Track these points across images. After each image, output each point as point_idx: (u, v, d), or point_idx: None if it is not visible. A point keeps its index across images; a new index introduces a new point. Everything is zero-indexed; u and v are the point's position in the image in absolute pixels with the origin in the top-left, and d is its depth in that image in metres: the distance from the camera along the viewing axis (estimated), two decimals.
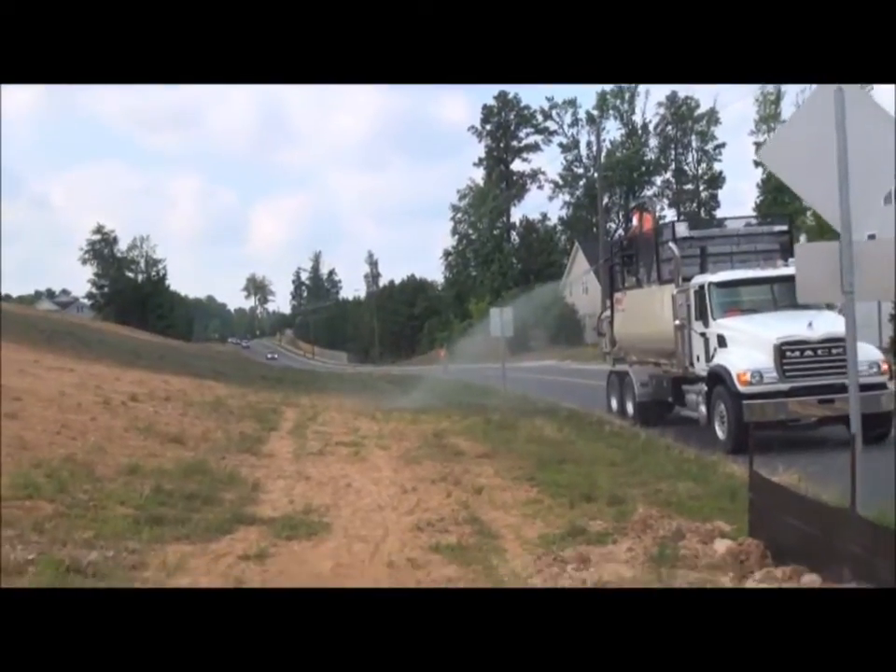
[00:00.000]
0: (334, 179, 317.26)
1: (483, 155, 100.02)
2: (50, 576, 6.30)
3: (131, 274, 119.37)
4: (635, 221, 21.94)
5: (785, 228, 18.27)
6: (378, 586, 6.92)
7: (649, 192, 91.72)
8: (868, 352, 14.25)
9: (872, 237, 10.23)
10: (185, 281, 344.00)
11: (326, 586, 6.88)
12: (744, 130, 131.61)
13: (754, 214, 44.95)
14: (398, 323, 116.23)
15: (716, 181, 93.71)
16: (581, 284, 75.21)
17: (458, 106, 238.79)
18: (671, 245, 17.27)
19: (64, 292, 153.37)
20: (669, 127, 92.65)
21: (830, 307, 14.44)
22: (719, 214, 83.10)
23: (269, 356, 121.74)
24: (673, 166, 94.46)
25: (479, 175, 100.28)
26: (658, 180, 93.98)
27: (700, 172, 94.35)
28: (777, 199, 62.11)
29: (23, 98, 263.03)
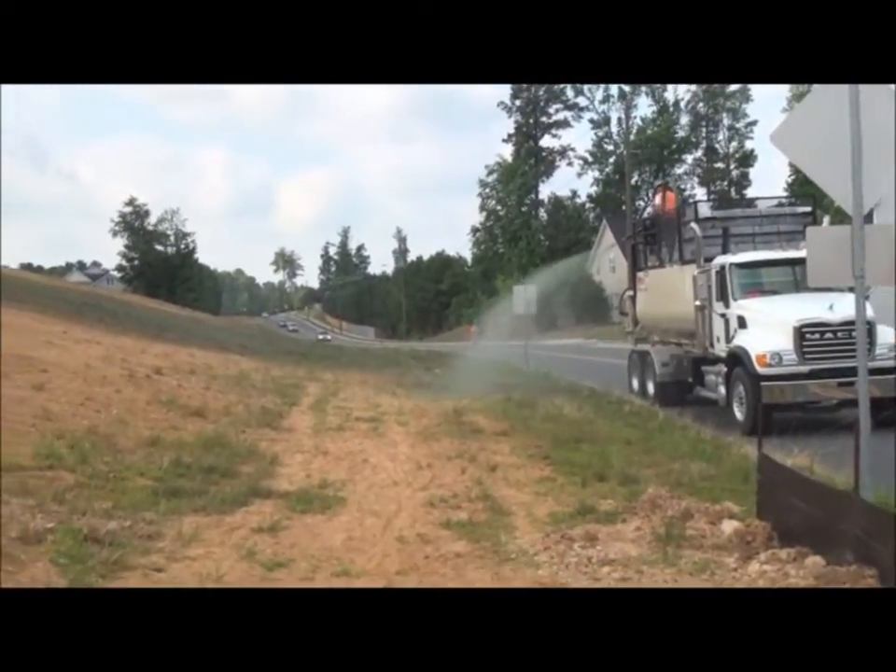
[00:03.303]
0: (362, 152, 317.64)
1: (512, 131, 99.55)
2: (68, 544, 6.46)
3: (160, 247, 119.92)
4: (656, 200, 21.86)
5: (809, 209, 18.13)
6: (387, 560, 7.07)
7: (679, 170, 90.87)
8: (889, 335, 14.18)
9: None
10: (214, 254, 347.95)
11: (336, 558, 7.03)
12: (777, 107, 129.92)
13: (786, 194, 44.46)
14: (425, 299, 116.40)
15: (747, 159, 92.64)
16: (608, 262, 74.97)
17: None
18: (693, 225, 17.22)
19: (95, 264, 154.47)
20: (700, 104, 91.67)
21: (852, 290, 14.35)
22: (750, 193, 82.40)
23: (291, 327, 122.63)
24: (704, 144, 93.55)
25: (507, 151, 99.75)
26: (688, 158, 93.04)
27: (731, 150, 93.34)
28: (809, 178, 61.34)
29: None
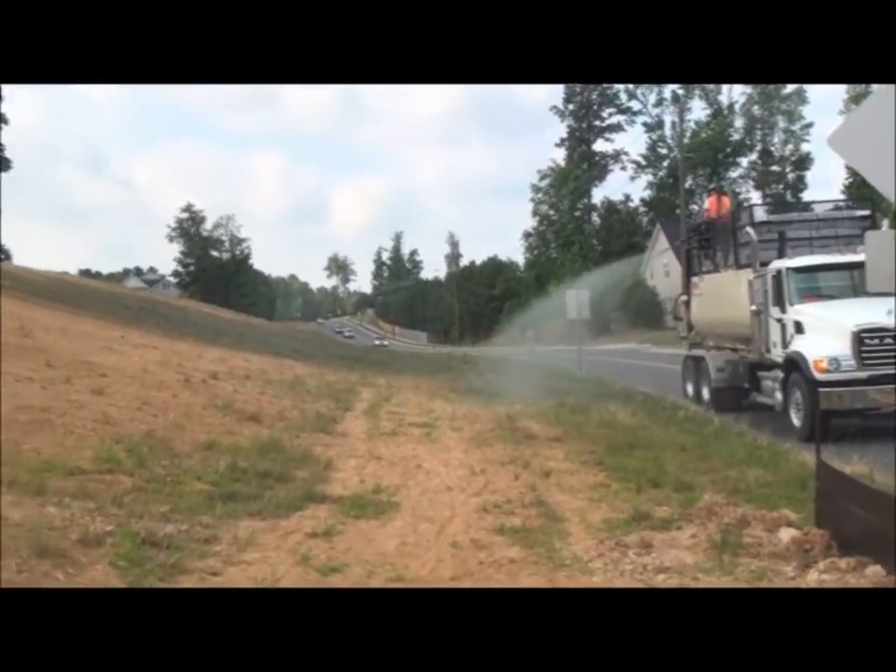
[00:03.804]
0: (414, 157, 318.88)
1: (564, 135, 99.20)
2: (127, 547, 6.55)
3: (216, 253, 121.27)
4: (706, 205, 21.72)
5: (867, 213, 17.87)
6: (441, 566, 7.08)
7: (733, 174, 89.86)
8: None
9: None
10: (268, 260, 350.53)
11: (390, 564, 7.06)
12: (833, 108, 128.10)
13: (843, 197, 43.81)
14: (477, 304, 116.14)
15: (803, 162, 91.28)
16: (661, 266, 74.43)
17: (538, 84, 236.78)
18: (749, 229, 17.08)
19: (152, 270, 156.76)
20: (755, 107, 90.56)
21: None
22: (806, 196, 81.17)
23: (347, 333, 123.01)
24: (759, 147, 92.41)
25: (560, 156, 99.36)
26: (743, 161, 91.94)
27: (787, 153, 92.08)
28: (867, 181, 60.33)
29: None
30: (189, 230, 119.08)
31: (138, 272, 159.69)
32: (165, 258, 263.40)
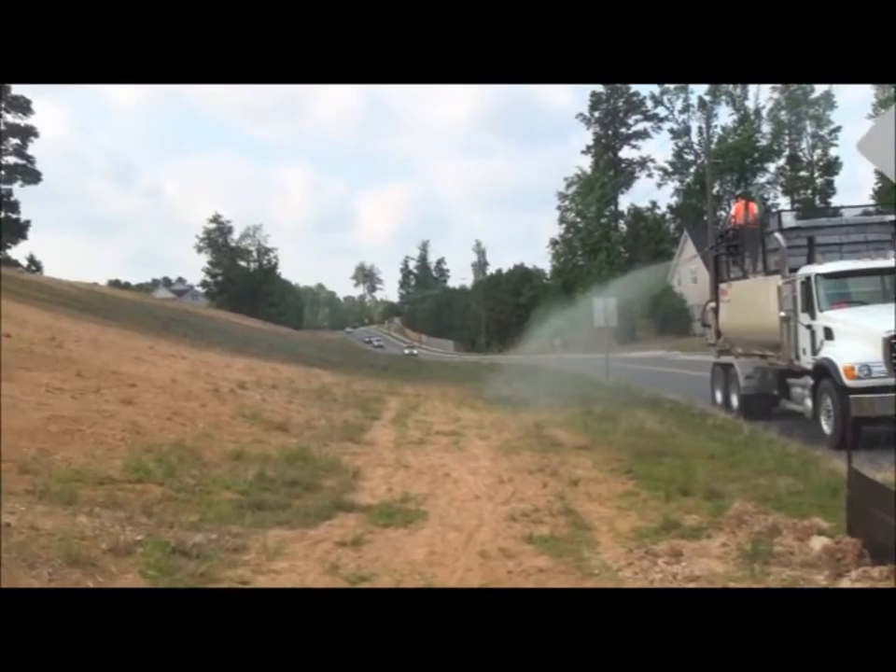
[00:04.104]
0: (440, 167, 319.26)
1: (590, 142, 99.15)
2: (157, 557, 6.58)
3: (243, 263, 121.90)
4: (733, 211, 21.64)
5: None
6: (469, 575, 7.06)
7: (761, 179, 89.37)
8: None
9: None
10: (295, 269, 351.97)
11: (419, 573, 7.06)
12: (862, 112, 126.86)
13: (873, 202, 43.45)
14: (504, 312, 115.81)
15: (832, 167, 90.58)
16: (689, 273, 74.12)
17: (563, 91, 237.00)
18: (777, 235, 16.98)
19: (180, 280, 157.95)
20: (783, 112, 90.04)
21: None
22: (835, 201, 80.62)
23: (376, 342, 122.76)
24: (787, 152, 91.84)
25: (586, 163, 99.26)
26: (771, 167, 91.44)
27: (815, 158, 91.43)
28: None
29: (133, 91, 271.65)
30: (217, 240, 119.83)
31: (167, 282, 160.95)
32: (194, 268, 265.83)
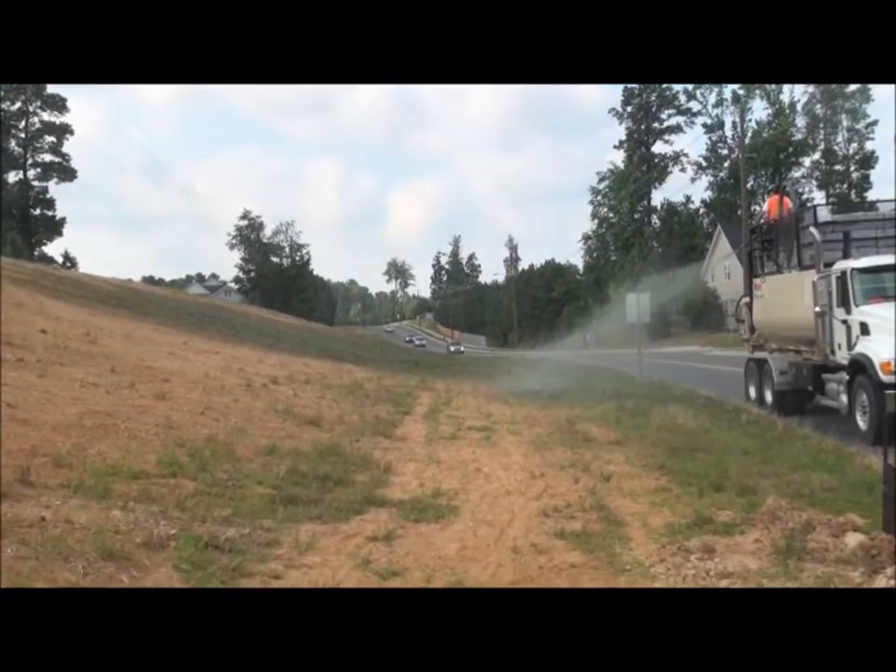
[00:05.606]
0: (471, 162, 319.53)
1: (623, 137, 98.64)
2: (190, 551, 6.63)
3: (276, 259, 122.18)
4: (767, 206, 21.43)
5: None
6: (501, 570, 7.05)
7: (796, 174, 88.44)
8: None
9: None
10: (327, 265, 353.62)
11: (450, 568, 7.05)
12: None
13: None
14: (536, 307, 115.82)
15: (868, 161, 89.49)
16: (723, 268, 73.59)
17: (594, 87, 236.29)
18: (812, 229, 16.79)
19: (213, 276, 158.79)
20: (818, 106, 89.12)
21: None
22: (870, 195, 79.64)
23: (417, 341, 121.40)
24: (822, 146, 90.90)
25: (619, 158, 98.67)
26: (806, 161, 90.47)
27: (850, 151, 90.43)
28: None
29: (165, 91, 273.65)
30: (250, 236, 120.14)
31: (200, 278, 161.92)
32: (227, 264, 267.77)
